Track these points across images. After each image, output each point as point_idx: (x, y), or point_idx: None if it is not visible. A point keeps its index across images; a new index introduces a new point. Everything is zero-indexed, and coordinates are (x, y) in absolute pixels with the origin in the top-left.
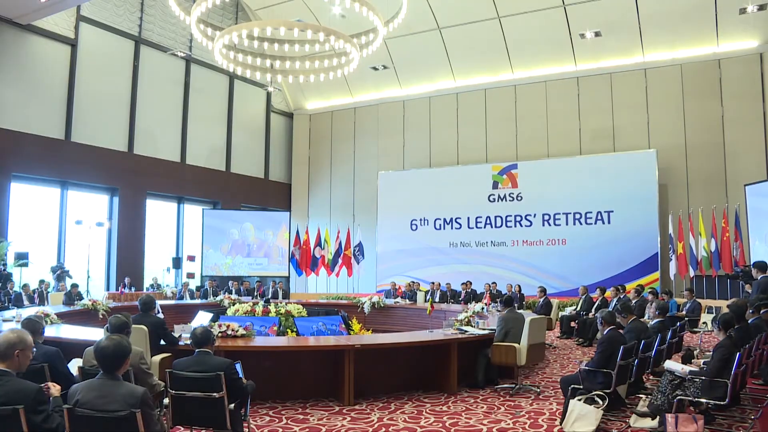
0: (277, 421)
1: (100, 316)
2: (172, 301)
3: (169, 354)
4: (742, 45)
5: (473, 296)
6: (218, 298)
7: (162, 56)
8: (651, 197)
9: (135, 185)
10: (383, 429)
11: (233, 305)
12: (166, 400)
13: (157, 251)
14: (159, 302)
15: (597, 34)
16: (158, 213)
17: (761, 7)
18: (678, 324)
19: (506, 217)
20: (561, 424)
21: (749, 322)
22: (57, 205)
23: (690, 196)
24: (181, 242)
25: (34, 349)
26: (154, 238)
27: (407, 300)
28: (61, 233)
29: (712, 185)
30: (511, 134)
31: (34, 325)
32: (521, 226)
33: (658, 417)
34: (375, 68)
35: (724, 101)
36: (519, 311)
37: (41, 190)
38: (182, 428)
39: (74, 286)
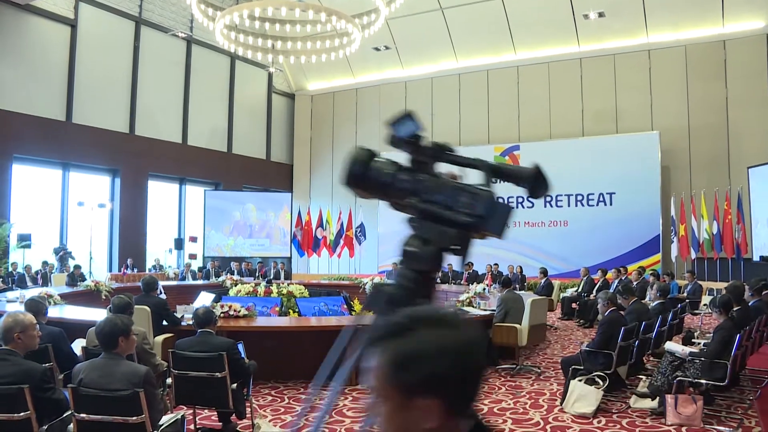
0: (279, 400)
1: (103, 297)
2: (175, 282)
3: (171, 334)
4: (748, 26)
5: (475, 277)
6: (220, 279)
7: (163, 37)
8: (653, 179)
9: (136, 166)
10: None
11: (235, 286)
12: (169, 380)
13: (159, 232)
14: (161, 283)
15: (600, 15)
16: (160, 194)
17: None
18: (679, 306)
19: (508, 198)
20: (561, 405)
21: (750, 304)
22: (59, 186)
23: (692, 179)
24: (183, 223)
25: (38, 326)
26: (156, 219)
27: None
28: (63, 215)
29: (715, 167)
30: (514, 115)
31: (36, 306)
32: (523, 207)
33: (658, 398)
34: (377, 49)
35: (729, 83)
36: (518, 292)
37: (43, 171)
38: (185, 407)
39: (77, 267)
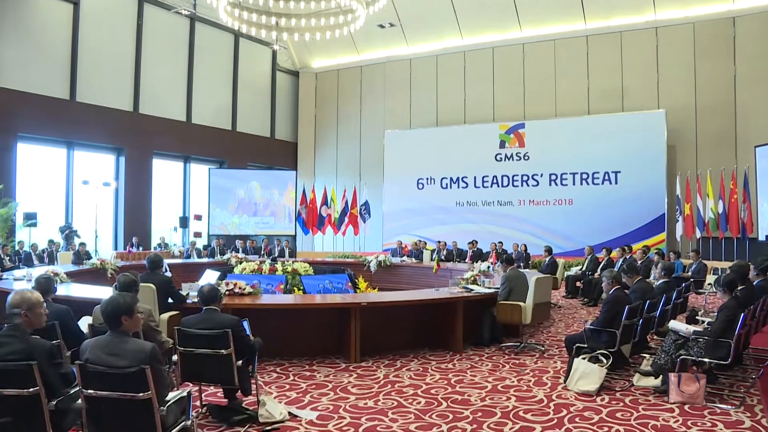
0: (284, 377)
1: (109, 275)
2: (180, 260)
3: (177, 312)
4: (759, 1)
5: (479, 255)
6: (225, 257)
7: (166, 14)
8: (659, 158)
9: (141, 145)
10: (389, 386)
11: (240, 264)
12: (175, 357)
13: (164, 211)
14: (166, 261)
15: None
16: (165, 172)
17: None
18: (683, 285)
19: (513, 176)
20: (565, 382)
21: (754, 284)
22: (64, 165)
23: (698, 157)
24: (188, 201)
25: (44, 304)
26: (161, 197)
27: (413, 259)
28: (69, 193)
29: (722, 146)
30: (519, 93)
31: (46, 285)
32: (528, 185)
33: (661, 376)
34: (381, 26)
35: (738, 60)
36: (521, 270)
37: (48, 150)
38: (191, 384)
39: (82, 245)
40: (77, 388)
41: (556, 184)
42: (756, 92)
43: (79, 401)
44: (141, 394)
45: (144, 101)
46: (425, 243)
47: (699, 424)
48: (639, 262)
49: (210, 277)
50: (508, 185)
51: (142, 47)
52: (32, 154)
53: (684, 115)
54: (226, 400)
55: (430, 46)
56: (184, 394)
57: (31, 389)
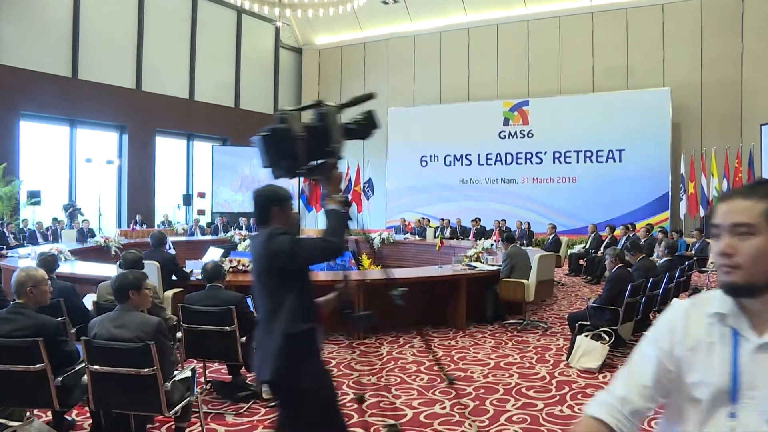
0: None
1: (113, 253)
2: (183, 238)
3: (181, 289)
4: None
5: (482, 233)
6: (229, 234)
7: None
8: (663, 136)
9: (144, 122)
10: (392, 362)
11: (244, 241)
12: (179, 334)
13: (168, 188)
14: (170, 239)
15: None
16: (168, 150)
17: None
18: (686, 263)
19: (517, 154)
20: (567, 360)
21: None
22: (67, 143)
23: (703, 136)
24: (191, 179)
25: (49, 282)
26: (164, 175)
27: (417, 236)
28: (72, 171)
29: (727, 124)
30: (523, 70)
31: (48, 262)
32: (532, 163)
33: None
34: (385, 2)
35: (745, 37)
36: (524, 247)
37: (50, 128)
38: (195, 361)
39: (86, 222)
40: (83, 365)
41: (560, 162)
42: (763, 70)
43: (85, 377)
44: (146, 370)
45: (146, 79)
46: (428, 220)
47: None
48: (642, 240)
49: (213, 254)
50: (511, 163)
51: (144, 24)
52: (35, 133)
53: (689, 92)
54: (230, 376)
55: (433, 23)
56: (189, 371)
57: (38, 365)
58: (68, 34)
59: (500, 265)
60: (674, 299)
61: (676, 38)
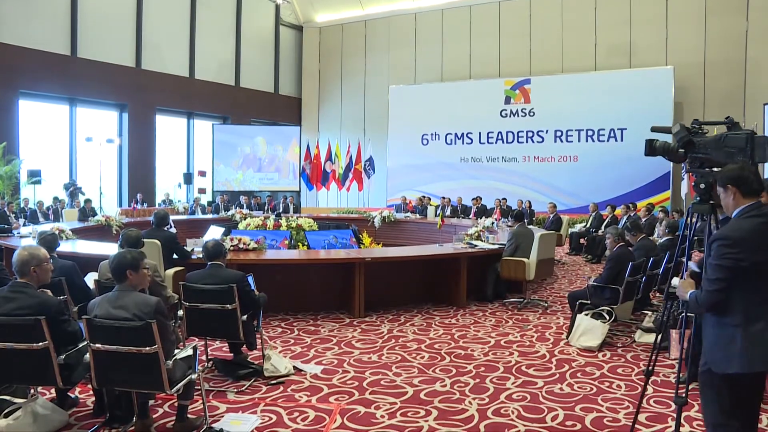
0: (289, 332)
1: (114, 232)
2: (184, 216)
3: (182, 268)
4: None
5: (483, 211)
6: (230, 213)
7: None
8: (666, 115)
9: (144, 101)
10: (393, 340)
11: (245, 219)
12: (180, 312)
13: (168, 167)
14: (171, 217)
15: None
16: (168, 129)
17: None
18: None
19: (518, 132)
20: (567, 338)
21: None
22: (66, 122)
23: (706, 115)
24: (192, 158)
25: (51, 260)
26: (165, 153)
27: (418, 214)
28: (72, 150)
29: (730, 103)
30: (525, 48)
31: (49, 241)
32: (533, 142)
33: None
34: None
35: (750, 15)
36: (529, 227)
37: (50, 107)
38: (197, 339)
39: (87, 201)
40: (85, 343)
41: (562, 141)
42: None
43: (87, 356)
44: (147, 348)
45: (146, 57)
46: (429, 199)
47: None
48: (643, 219)
49: (214, 232)
50: (513, 141)
51: (143, 1)
52: (35, 111)
53: (692, 71)
54: (232, 354)
55: (435, 0)
56: (190, 350)
57: (40, 344)
58: (67, 11)
59: (501, 244)
60: (674, 278)
61: (680, 16)
